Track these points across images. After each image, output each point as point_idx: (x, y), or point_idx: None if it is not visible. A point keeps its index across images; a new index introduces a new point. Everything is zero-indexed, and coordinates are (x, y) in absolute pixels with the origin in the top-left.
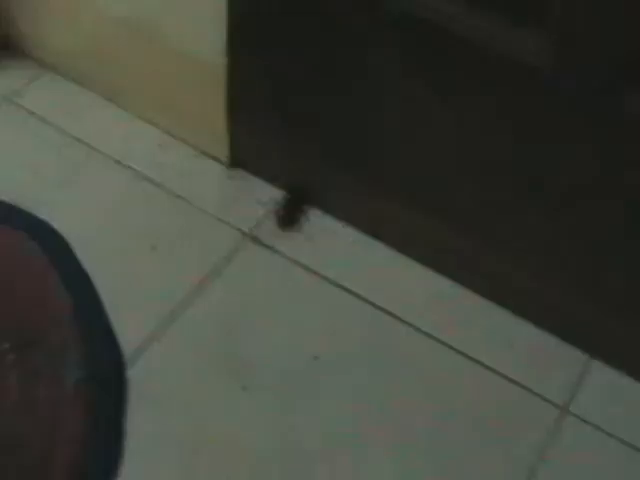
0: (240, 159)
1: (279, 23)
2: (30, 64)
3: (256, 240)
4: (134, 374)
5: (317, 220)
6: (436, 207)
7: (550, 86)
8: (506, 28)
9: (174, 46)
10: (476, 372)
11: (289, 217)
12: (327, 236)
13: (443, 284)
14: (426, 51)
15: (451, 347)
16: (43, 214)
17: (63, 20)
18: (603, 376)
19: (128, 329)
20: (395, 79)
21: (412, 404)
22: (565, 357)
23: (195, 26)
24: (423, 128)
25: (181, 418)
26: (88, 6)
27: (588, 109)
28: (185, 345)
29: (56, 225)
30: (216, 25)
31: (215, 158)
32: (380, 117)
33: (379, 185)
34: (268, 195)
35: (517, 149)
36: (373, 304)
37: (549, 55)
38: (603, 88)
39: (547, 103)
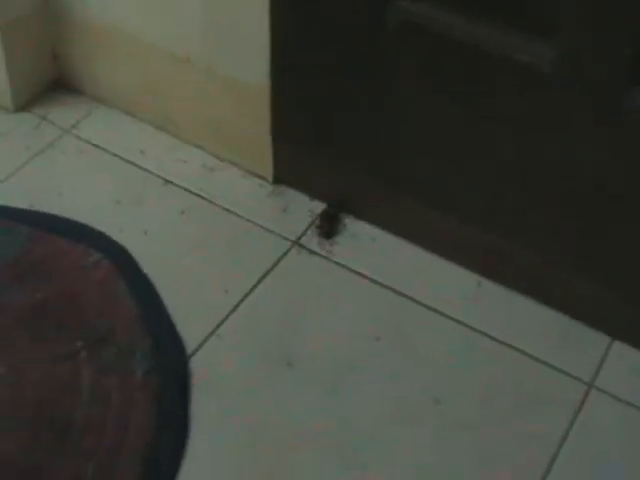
0: (283, 176)
1: (317, 47)
2: (85, 99)
3: (302, 247)
4: (196, 365)
5: (356, 227)
6: (466, 210)
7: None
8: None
9: (221, 74)
10: (508, 355)
11: (329, 227)
12: (365, 242)
13: (470, 278)
14: (444, 65)
15: (480, 331)
16: (106, 231)
17: (116, 59)
18: (625, 354)
19: (189, 326)
20: (422, 95)
21: (455, 386)
22: (590, 340)
23: (241, 54)
24: (454, 140)
25: (241, 402)
26: (141, 46)
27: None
28: (242, 338)
29: (119, 240)
30: (260, 52)
31: (260, 176)
32: (410, 130)
33: (412, 193)
34: (310, 207)
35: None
36: (412, 299)
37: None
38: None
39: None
